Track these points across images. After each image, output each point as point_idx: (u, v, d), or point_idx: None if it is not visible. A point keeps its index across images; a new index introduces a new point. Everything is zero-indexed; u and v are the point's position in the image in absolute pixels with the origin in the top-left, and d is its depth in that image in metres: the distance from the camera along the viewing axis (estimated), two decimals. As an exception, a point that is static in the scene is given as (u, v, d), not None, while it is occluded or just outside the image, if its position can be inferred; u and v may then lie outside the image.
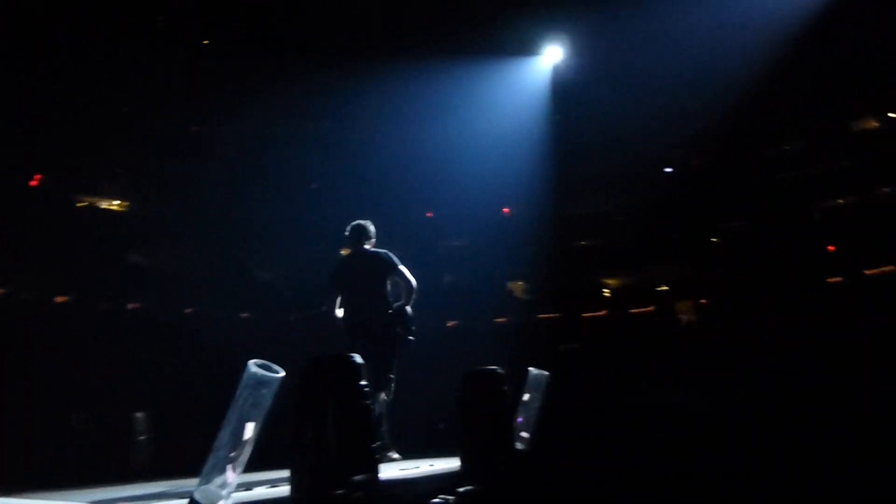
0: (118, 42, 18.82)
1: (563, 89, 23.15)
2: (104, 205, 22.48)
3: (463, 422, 4.75)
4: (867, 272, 22.38)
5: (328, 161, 23.83)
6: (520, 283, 28.91)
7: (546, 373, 6.05)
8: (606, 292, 27.75)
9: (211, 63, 20.42)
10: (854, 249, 23.08)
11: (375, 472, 3.38)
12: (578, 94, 23.05)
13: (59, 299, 17.49)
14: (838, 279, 22.85)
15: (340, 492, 3.32)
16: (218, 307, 19.70)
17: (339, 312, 6.02)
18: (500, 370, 5.01)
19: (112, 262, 19.70)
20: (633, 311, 24.20)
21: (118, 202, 22.62)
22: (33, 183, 19.85)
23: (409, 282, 6.12)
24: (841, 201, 25.56)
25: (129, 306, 18.63)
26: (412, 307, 6.08)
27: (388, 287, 5.98)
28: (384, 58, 20.34)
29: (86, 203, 21.91)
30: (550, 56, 22.83)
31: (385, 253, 6.12)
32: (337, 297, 6.03)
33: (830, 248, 24.84)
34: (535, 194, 25.31)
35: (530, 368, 6.05)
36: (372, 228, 6.29)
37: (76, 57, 18.47)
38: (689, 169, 27.70)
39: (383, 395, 5.77)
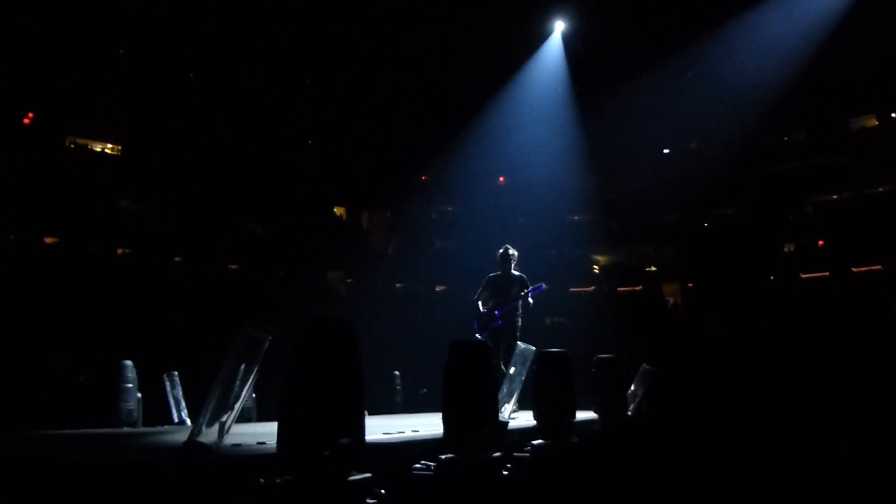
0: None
1: (573, 60, 23.00)
2: (97, 147, 22.24)
3: (448, 391, 4.78)
4: (854, 269, 22.63)
5: (325, 116, 23.66)
6: (508, 245, 28.92)
7: (533, 347, 6.12)
8: (595, 268, 27.92)
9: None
10: (843, 246, 23.31)
11: (361, 436, 3.42)
12: (584, 65, 22.90)
13: (49, 241, 17.43)
14: (825, 274, 23.11)
15: (325, 453, 3.35)
16: (207, 257, 19.69)
17: (480, 304, 8.14)
18: (487, 341, 5.05)
19: (103, 205, 19.57)
20: (620, 289, 24.35)
21: (111, 145, 22.39)
22: (25, 121, 19.59)
23: (528, 303, 8.03)
24: (835, 197, 25.74)
25: (119, 251, 18.59)
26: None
27: (521, 304, 8.03)
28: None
29: (78, 144, 21.67)
30: (559, 30, 22.62)
31: (523, 278, 8.10)
32: (485, 299, 8.12)
33: (820, 242, 25.08)
34: (531, 165, 25.30)
35: (518, 342, 6.14)
36: (516, 253, 8.27)
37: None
38: (687, 152, 27.69)
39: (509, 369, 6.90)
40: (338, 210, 26.92)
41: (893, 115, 25.08)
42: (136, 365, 6.45)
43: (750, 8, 19.99)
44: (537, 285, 7.99)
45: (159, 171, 20.61)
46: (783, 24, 20.14)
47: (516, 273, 8.16)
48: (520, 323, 7.99)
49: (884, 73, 22.41)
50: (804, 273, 23.50)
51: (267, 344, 3.42)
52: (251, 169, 21.84)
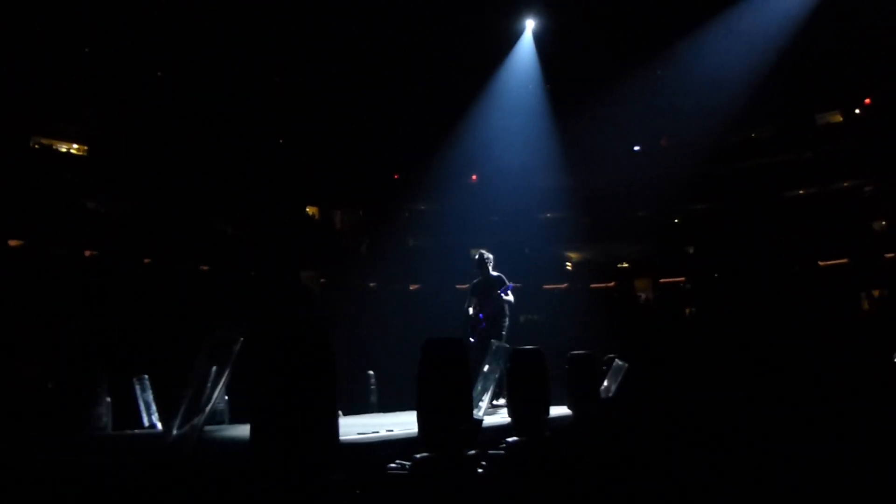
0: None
1: (545, 59, 23.15)
2: (63, 147, 21.81)
3: (422, 389, 4.78)
4: (821, 263, 23.11)
5: (296, 114, 23.50)
6: (481, 250, 29.01)
7: (506, 345, 6.16)
8: (568, 265, 28.10)
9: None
10: (810, 240, 23.76)
11: (336, 436, 3.41)
12: (556, 63, 23.05)
13: (14, 243, 17.06)
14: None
15: (300, 454, 3.34)
16: (177, 259, 19.41)
17: (471, 310, 8.49)
18: (461, 340, 5.06)
19: (69, 207, 19.20)
20: (594, 285, 24.54)
21: (77, 145, 21.96)
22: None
23: (510, 301, 8.30)
24: (801, 192, 26.19)
25: (87, 254, 18.26)
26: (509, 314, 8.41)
27: (503, 304, 8.27)
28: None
29: (43, 144, 21.24)
30: (530, 29, 22.78)
31: (502, 278, 8.38)
32: (472, 303, 8.43)
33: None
34: (503, 163, 25.38)
35: (493, 340, 6.17)
36: (491, 257, 8.61)
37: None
38: (657, 149, 27.99)
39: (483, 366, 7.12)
40: (310, 209, 26.74)
41: (857, 111, 25.60)
42: (105, 369, 6.36)
43: (719, 9, 20.34)
44: (506, 286, 8.26)
45: (127, 171, 20.25)
46: (751, 23, 20.52)
47: (495, 274, 8.45)
48: (506, 322, 8.26)
49: (848, 69, 22.87)
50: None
51: (238, 345, 3.40)
52: (222, 168, 21.58)
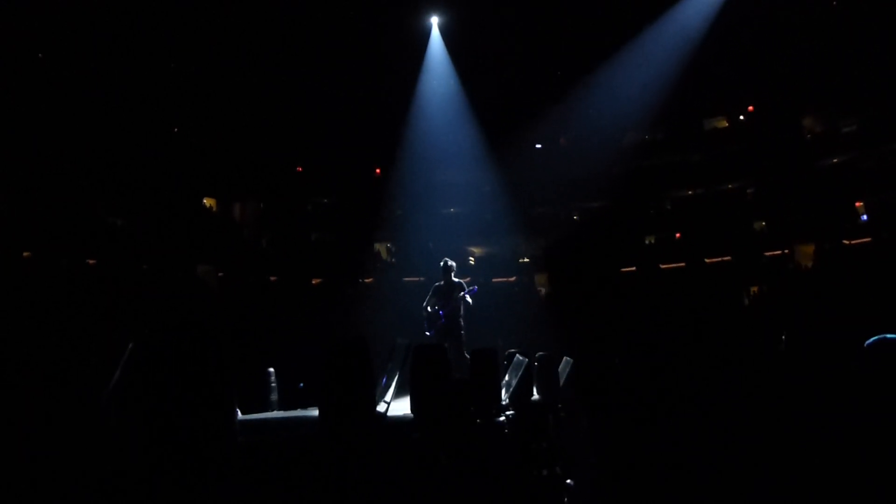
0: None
1: (453, 56, 23.37)
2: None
3: (325, 386, 4.72)
4: (707, 260, 24.48)
5: (192, 102, 22.67)
6: (386, 244, 29.02)
7: (408, 341, 6.18)
8: (472, 260, 28.46)
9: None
10: (698, 238, 25.15)
11: (233, 436, 3.30)
12: (461, 61, 23.30)
13: None
14: (681, 265, 24.85)
15: (194, 454, 3.22)
16: (61, 252, 18.28)
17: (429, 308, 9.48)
18: (364, 336, 5.02)
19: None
20: (496, 280, 24.98)
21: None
22: None
23: (468, 303, 9.41)
24: (690, 192, 27.65)
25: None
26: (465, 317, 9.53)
27: (461, 304, 9.41)
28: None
29: None
30: (436, 25, 22.94)
31: (462, 283, 9.58)
32: (433, 304, 9.44)
33: (677, 235, 26.91)
34: (407, 158, 25.42)
35: (397, 338, 6.18)
36: (454, 264, 9.74)
37: None
38: (557, 147, 28.79)
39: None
40: (207, 201, 25.84)
41: (742, 117, 27.31)
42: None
43: (620, 26, 21.39)
44: (470, 289, 9.45)
45: (3, 157, 18.88)
46: (648, 39, 21.69)
47: (456, 280, 9.64)
48: (462, 322, 9.39)
49: (733, 80, 24.42)
50: (663, 264, 25.14)
51: (131, 346, 3.23)
52: (111, 157, 20.48)
